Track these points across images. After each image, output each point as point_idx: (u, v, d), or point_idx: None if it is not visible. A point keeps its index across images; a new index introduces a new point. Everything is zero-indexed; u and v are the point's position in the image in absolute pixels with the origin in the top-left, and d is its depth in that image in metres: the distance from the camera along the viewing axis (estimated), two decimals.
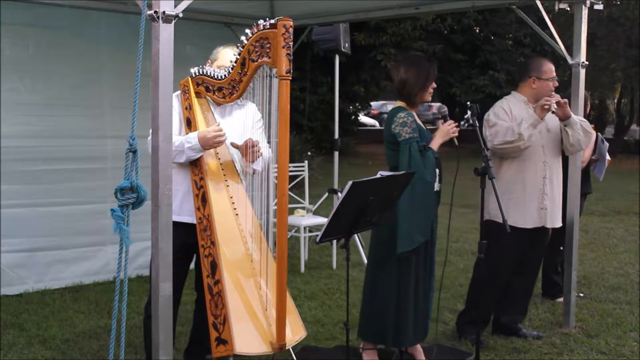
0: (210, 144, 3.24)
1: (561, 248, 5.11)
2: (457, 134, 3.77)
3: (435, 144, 3.74)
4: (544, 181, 4.24)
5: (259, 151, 3.33)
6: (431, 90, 3.84)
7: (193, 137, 3.23)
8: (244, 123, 3.50)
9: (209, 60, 3.49)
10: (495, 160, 4.18)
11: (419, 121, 3.83)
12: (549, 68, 4.27)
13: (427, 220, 3.69)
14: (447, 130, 3.75)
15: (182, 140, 3.24)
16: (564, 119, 4.20)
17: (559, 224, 4.37)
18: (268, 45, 2.93)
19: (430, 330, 4.04)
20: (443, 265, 4.17)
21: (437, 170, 3.74)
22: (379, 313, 3.84)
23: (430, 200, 3.68)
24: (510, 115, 4.17)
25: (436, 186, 3.73)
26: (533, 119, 4.07)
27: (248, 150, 3.30)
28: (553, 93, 4.26)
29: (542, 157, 4.23)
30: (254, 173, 3.41)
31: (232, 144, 3.37)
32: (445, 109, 3.89)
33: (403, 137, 3.67)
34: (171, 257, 2.72)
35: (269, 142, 3.67)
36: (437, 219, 3.90)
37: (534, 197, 4.22)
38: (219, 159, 3.38)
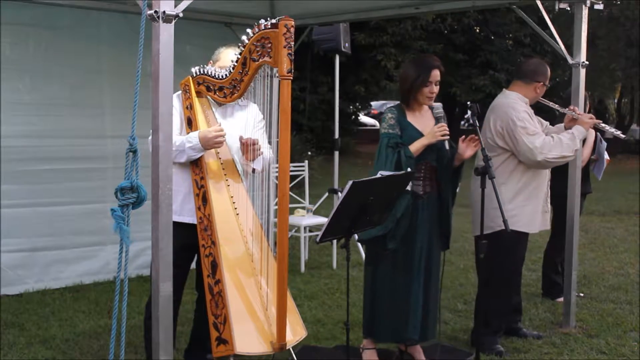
0: (211, 144, 3.23)
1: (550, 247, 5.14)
2: (447, 138, 3.73)
3: (416, 145, 3.72)
4: (547, 184, 4.27)
5: (259, 149, 3.33)
6: (429, 94, 3.80)
7: (194, 137, 3.23)
8: (246, 123, 3.50)
9: (211, 61, 3.49)
10: (510, 167, 4.10)
11: (412, 121, 3.81)
12: (549, 74, 4.35)
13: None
14: (434, 132, 3.73)
15: (183, 140, 3.24)
16: (572, 127, 4.23)
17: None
18: (269, 45, 2.92)
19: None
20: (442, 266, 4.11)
21: (409, 170, 3.65)
22: (364, 304, 3.98)
23: None
24: (533, 121, 4.15)
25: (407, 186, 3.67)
26: (583, 135, 4.18)
27: (249, 148, 3.30)
28: (543, 100, 4.36)
29: None
30: (254, 172, 3.40)
31: (240, 139, 3.35)
32: (440, 109, 3.82)
33: (380, 132, 3.81)
34: (171, 257, 2.72)
35: (269, 142, 3.66)
36: (423, 224, 3.79)
37: (542, 201, 4.24)
38: (220, 158, 3.38)
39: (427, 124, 3.84)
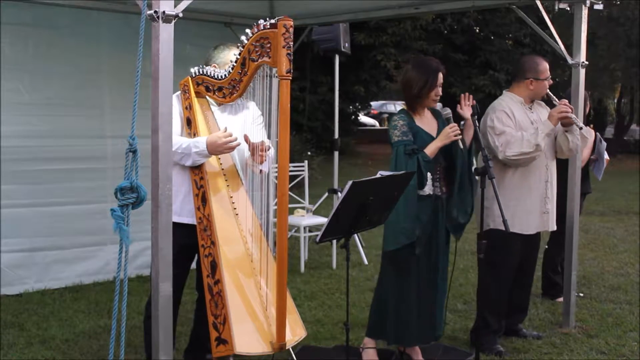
0: (220, 150, 3.21)
1: (546, 247, 5.09)
2: (459, 137, 3.75)
3: (431, 148, 3.73)
4: (546, 185, 4.22)
5: (268, 153, 3.31)
6: (435, 97, 3.82)
7: (202, 142, 3.20)
8: (244, 120, 3.50)
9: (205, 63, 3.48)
10: (498, 166, 4.10)
11: (420, 124, 3.82)
12: (545, 67, 4.24)
13: (411, 222, 3.65)
14: (447, 133, 3.74)
15: (190, 144, 3.21)
16: (567, 125, 4.18)
17: (555, 227, 4.39)
18: (268, 45, 2.92)
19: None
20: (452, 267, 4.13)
21: (429, 175, 3.71)
22: (382, 309, 3.91)
23: (412, 203, 3.65)
24: (514, 120, 4.11)
25: (427, 189, 3.71)
26: (549, 129, 4.05)
27: (256, 151, 3.28)
28: (551, 96, 4.28)
29: (544, 162, 4.21)
30: (260, 172, 3.39)
31: (245, 137, 3.32)
32: (448, 111, 3.84)
33: (393, 140, 3.77)
34: (171, 257, 2.72)
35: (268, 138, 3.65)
36: (442, 223, 3.85)
37: (538, 202, 4.20)
38: (220, 158, 3.37)
39: (433, 126, 3.88)
